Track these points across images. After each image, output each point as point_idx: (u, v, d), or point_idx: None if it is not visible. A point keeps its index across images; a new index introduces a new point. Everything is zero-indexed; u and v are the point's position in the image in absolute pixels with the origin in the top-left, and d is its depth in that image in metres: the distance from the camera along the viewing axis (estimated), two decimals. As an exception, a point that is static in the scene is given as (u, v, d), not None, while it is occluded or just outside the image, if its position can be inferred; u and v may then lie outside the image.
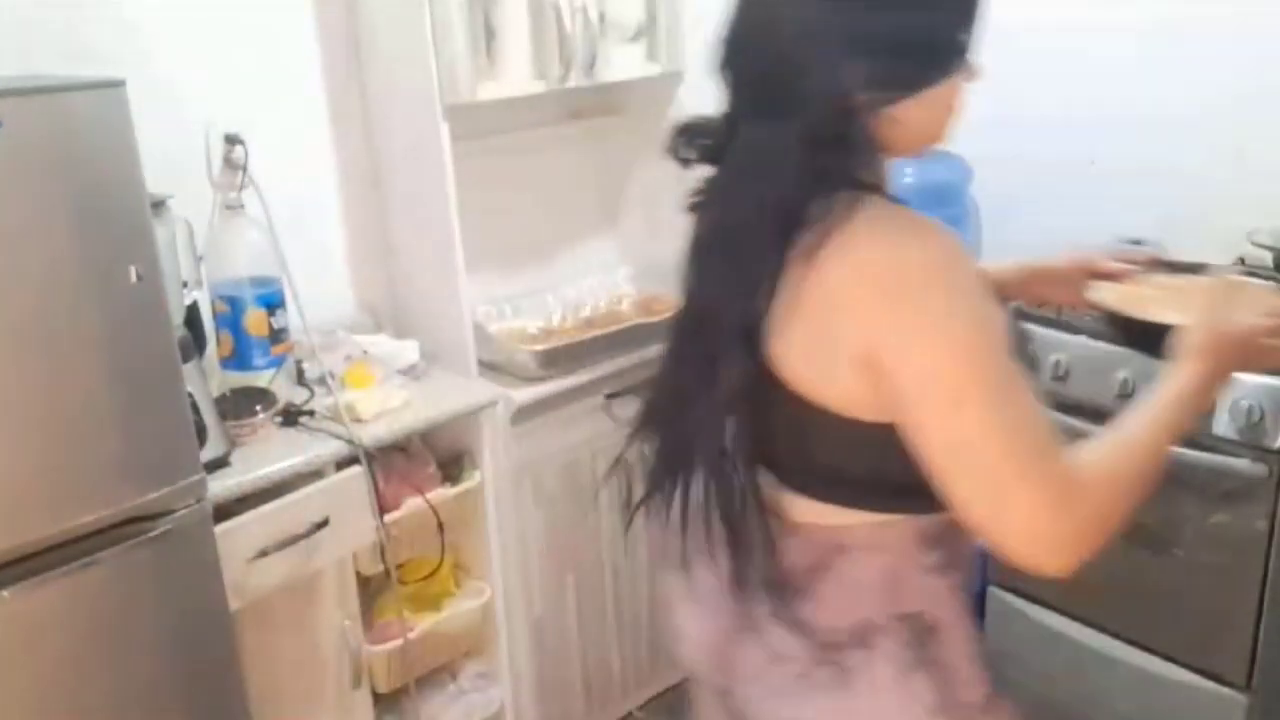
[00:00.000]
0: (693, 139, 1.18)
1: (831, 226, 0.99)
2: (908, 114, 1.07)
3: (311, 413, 1.92)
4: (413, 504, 1.98)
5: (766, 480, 1.13)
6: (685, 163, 1.19)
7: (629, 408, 2.28)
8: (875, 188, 1.06)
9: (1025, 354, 2.30)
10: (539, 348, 2.12)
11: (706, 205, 1.20)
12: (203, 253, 1.93)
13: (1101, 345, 2.01)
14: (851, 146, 1.04)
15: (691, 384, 1.17)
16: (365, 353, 2.06)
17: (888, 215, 1.04)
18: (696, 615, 1.23)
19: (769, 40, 1.04)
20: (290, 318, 1.99)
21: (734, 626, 1.17)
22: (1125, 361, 1.92)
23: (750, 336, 1.06)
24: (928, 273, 1.00)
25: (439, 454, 2.09)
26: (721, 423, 1.12)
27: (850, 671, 1.09)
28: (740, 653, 1.16)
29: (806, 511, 1.11)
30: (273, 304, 1.96)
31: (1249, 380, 1.82)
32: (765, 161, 1.04)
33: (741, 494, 1.12)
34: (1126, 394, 1.91)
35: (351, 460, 1.84)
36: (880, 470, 1.05)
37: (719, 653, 1.19)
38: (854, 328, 0.98)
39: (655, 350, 2.23)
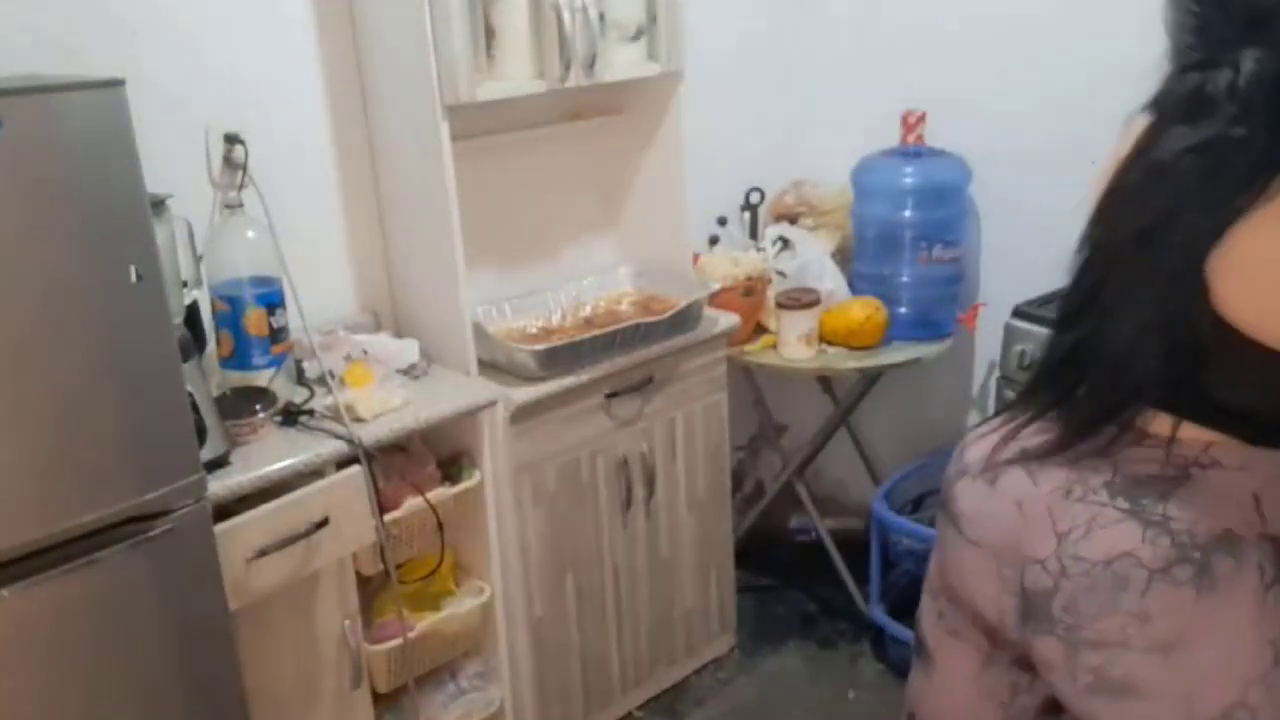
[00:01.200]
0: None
1: None
2: None
3: (311, 412, 1.92)
4: (412, 503, 1.98)
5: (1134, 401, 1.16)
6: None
7: (628, 407, 2.28)
8: None
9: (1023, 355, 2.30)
10: (539, 347, 2.12)
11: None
12: (202, 252, 1.93)
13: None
14: None
15: (1124, 295, 1.18)
16: (365, 352, 2.06)
17: None
18: (1012, 510, 1.23)
19: None
20: (290, 317, 1.99)
21: (1068, 522, 1.17)
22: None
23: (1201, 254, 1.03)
24: None
25: (439, 453, 2.09)
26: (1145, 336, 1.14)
27: (1215, 575, 1.13)
28: (1077, 547, 1.17)
29: (1171, 423, 1.12)
30: (272, 303, 1.96)
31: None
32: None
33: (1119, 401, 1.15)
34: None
35: (351, 460, 1.84)
36: (1271, 402, 1.06)
37: (1042, 542, 1.19)
38: None
39: (655, 350, 2.25)
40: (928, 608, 1.41)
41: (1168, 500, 1.14)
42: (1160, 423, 1.15)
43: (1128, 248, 1.21)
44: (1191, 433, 1.14)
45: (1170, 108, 1.10)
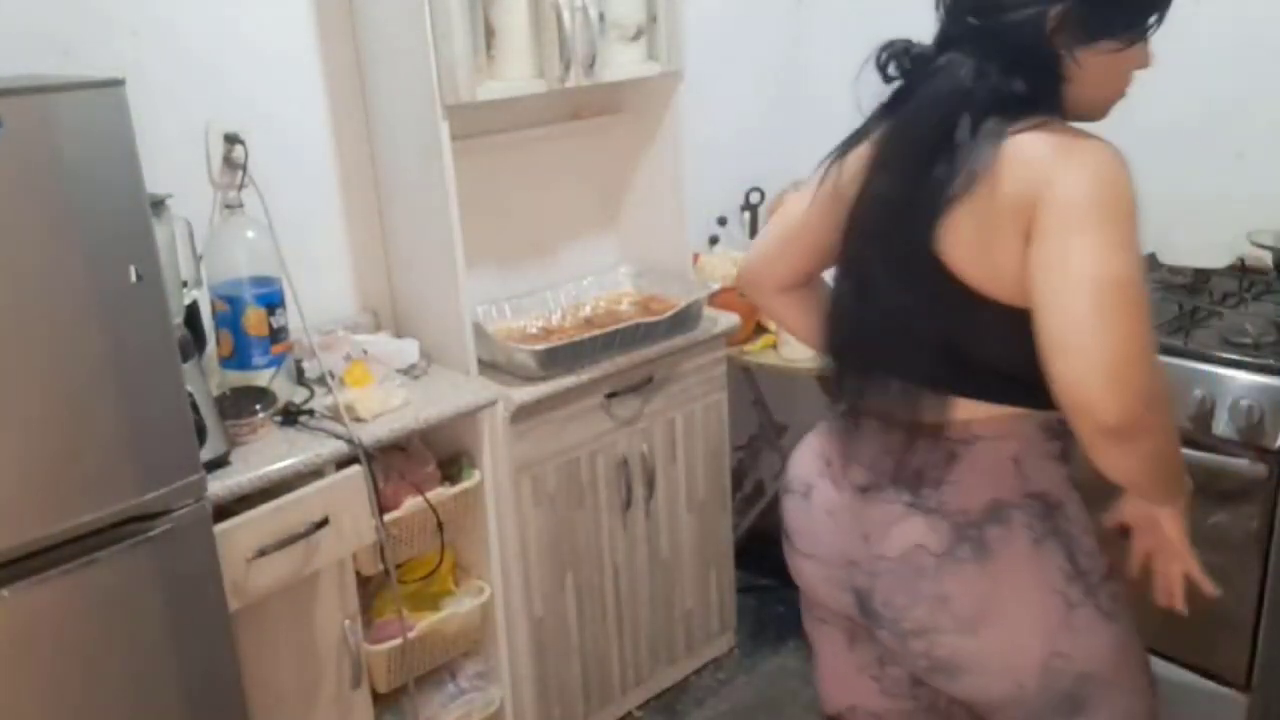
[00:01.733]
0: (896, 55, 1.31)
1: (1012, 134, 1.13)
2: (1091, 65, 1.17)
3: (311, 412, 1.93)
4: (412, 503, 1.98)
5: (902, 387, 1.28)
6: (886, 77, 1.32)
7: (628, 407, 2.28)
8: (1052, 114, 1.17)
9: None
10: (539, 347, 2.12)
11: (892, 112, 1.32)
12: (202, 252, 1.93)
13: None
14: (1043, 75, 1.16)
15: (874, 280, 1.28)
16: (365, 352, 2.06)
17: (1066, 130, 1.15)
18: (825, 520, 1.35)
19: None
20: (290, 317, 1.99)
21: (869, 525, 1.29)
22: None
23: (929, 228, 1.18)
24: (1100, 165, 1.11)
25: (438, 453, 2.09)
26: (903, 325, 1.26)
27: (990, 545, 1.22)
28: (879, 547, 1.27)
29: (939, 409, 1.25)
30: (272, 303, 1.96)
31: (1248, 380, 1.82)
32: (960, 81, 1.17)
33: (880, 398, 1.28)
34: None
35: (351, 460, 1.84)
36: (1023, 362, 1.16)
37: (854, 546, 1.30)
38: (1023, 195, 1.10)
39: (655, 350, 2.25)
40: (802, 606, 1.49)
41: (940, 486, 1.25)
42: (930, 408, 1.26)
43: (871, 248, 1.32)
44: (962, 414, 1.24)
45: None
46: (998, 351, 1.21)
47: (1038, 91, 1.16)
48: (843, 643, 1.47)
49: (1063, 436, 1.25)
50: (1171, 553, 1.29)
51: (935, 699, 1.41)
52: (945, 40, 1.26)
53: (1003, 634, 1.24)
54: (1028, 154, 1.11)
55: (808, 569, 1.42)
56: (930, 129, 1.19)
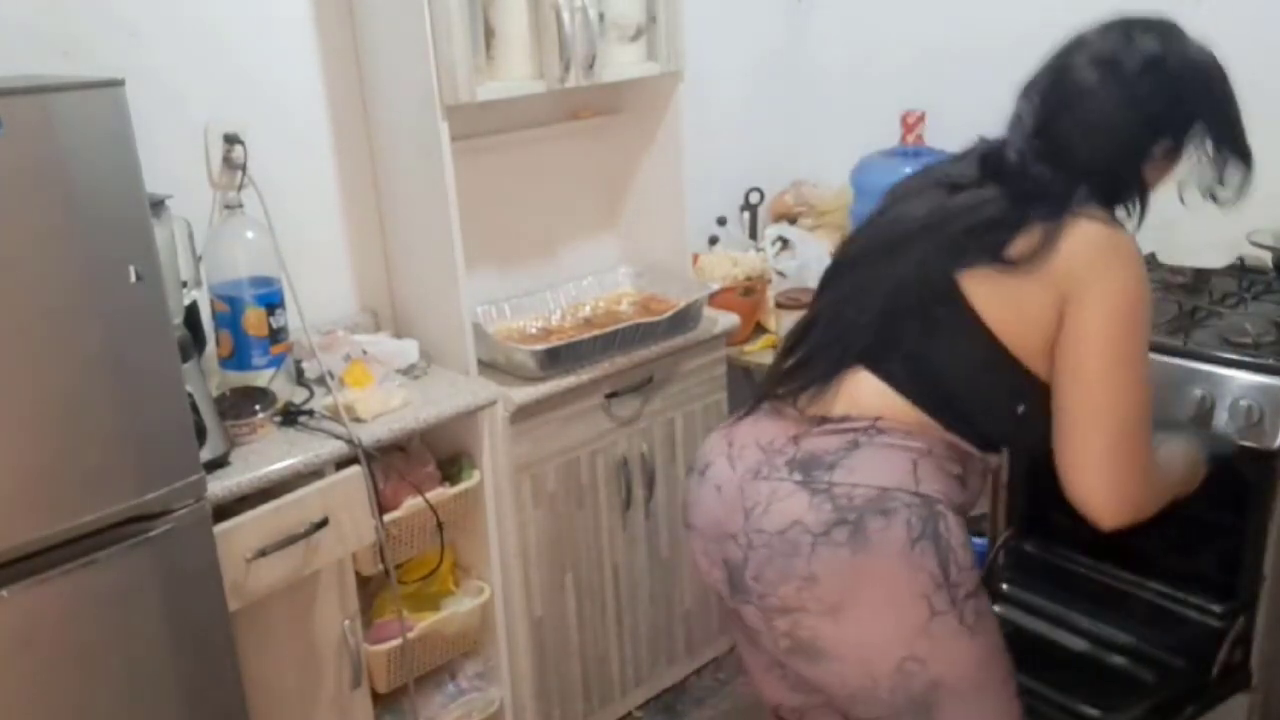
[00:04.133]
0: (987, 159, 1.41)
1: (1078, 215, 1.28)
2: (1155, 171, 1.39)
3: (311, 412, 1.93)
4: (412, 504, 1.98)
5: (829, 373, 1.35)
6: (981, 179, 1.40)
7: (628, 407, 2.28)
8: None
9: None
10: (538, 347, 2.12)
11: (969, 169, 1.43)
12: (202, 252, 1.93)
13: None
14: (1134, 192, 1.37)
15: (879, 286, 1.36)
16: (365, 352, 2.05)
17: (1115, 224, 1.32)
18: (713, 494, 1.39)
19: (1095, 121, 1.34)
20: (289, 317, 1.99)
21: (753, 499, 1.32)
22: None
23: (966, 258, 1.30)
24: (1128, 262, 1.27)
25: (438, 453, 2.10)
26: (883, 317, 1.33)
27: (867, 533, 1.24)
28: (759, 521, 1.30)
29: (861, 393, 1.31)
30: (272, 303, 1.96)
31: (1248, 380, 1.82)
32: (1035, 193, 1.30)
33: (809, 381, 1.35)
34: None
35: (351, 460, 1.84)
36: (966, 384, 1.29)
37: (734, 519, 1.34)
38: (1070, 273, 1.25)
39: (655, 350, 2.25)
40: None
41: (834, 469, 1.28)
42: (844, 401, 1.31)
43: (873, 257, 1.38)
44: (876, 406, 1.30)
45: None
46: (953, 366, 1.30)
47: (1118, 200, 1.34)
48: (746, 645, 1.49)
49: (967, 466, 1.32)
50: None
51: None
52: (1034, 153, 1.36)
53: (862, 625, 1.26)
54: (1087, 238, 1.25)
55: (692, 542, 1.45)
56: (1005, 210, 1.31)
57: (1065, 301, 1.24)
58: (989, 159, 1.38)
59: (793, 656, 1.32)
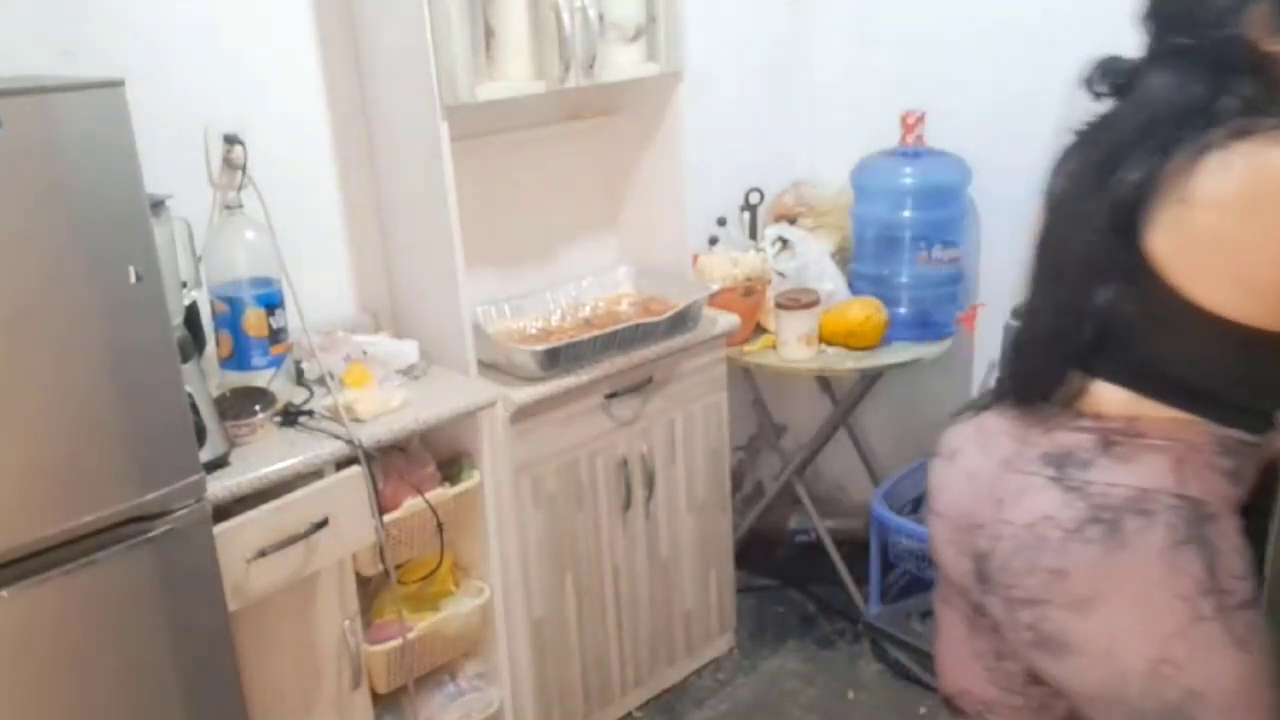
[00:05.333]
0: (1106, 74, 1.32)
1: (1236, 138, 1.14)
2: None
3: (311, 413, 1.92)
4: (412, 504, 1.98)
5: (1074, 374, 1.29)
6: (1096, 95, 1.33)
7: (628, 407, 2.28)
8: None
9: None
10: (538, 348, 2.12)
11: (1097, 129, 1.34)
12: (202, 253, 1.93)
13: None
14: (1259, 79, 1.19)
15: (1066, 271, 1.30)
16: (364, 353, 2.05)
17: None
18: (963, 481, 1.36)
19: None
20: (289, 318, 1.99)
21: (1004, 491, 1.29)
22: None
23: (1127, 228, 1.20)
24: None
25: (438, 454, 2.09)
26: (1082, 308, 1.26)
27: (1124, 533, 1.19)
28: (1008, 512, 1.27)
29: (1108, 401, 1.25)
30: (272, 304, 1.96)
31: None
32: (1169, 92, 1.20)
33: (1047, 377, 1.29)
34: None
35: (351, 460, 1.84)
36: (1209, 373, 1.20)
37: (983, 509, 1.30)
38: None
39: (655, 350, 2.25)
40: (936, 581, 1.46)
41: (1090, 467, 1.23)
42: (1098, 400, 1.26)
43: (1073, 242, 1.33)
44: (1131, 409, 1.24)
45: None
46: (1190, 359, 1.22)
47: (1257, 99, 1.18)
48: (963, 628, 1.45)
49: (1238, 457, 1.23)
50: None
51: (1047, 701, 1.38)
52: (1154, 57, 1.27)
53: (1112, 621, 1.20)
54: (1271, 162, 1.13)
55: (936, 528, 1.42)
56: (1147, 137, 1.21)
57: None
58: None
59: (1035, 651, 1.28)
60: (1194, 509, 1.20)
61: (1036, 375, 1.33)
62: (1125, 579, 1.20)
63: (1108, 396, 1.26)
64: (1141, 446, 1.22)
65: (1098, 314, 1.25)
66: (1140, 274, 1.20)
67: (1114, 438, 1.23)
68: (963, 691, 1.49)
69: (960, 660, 1.49)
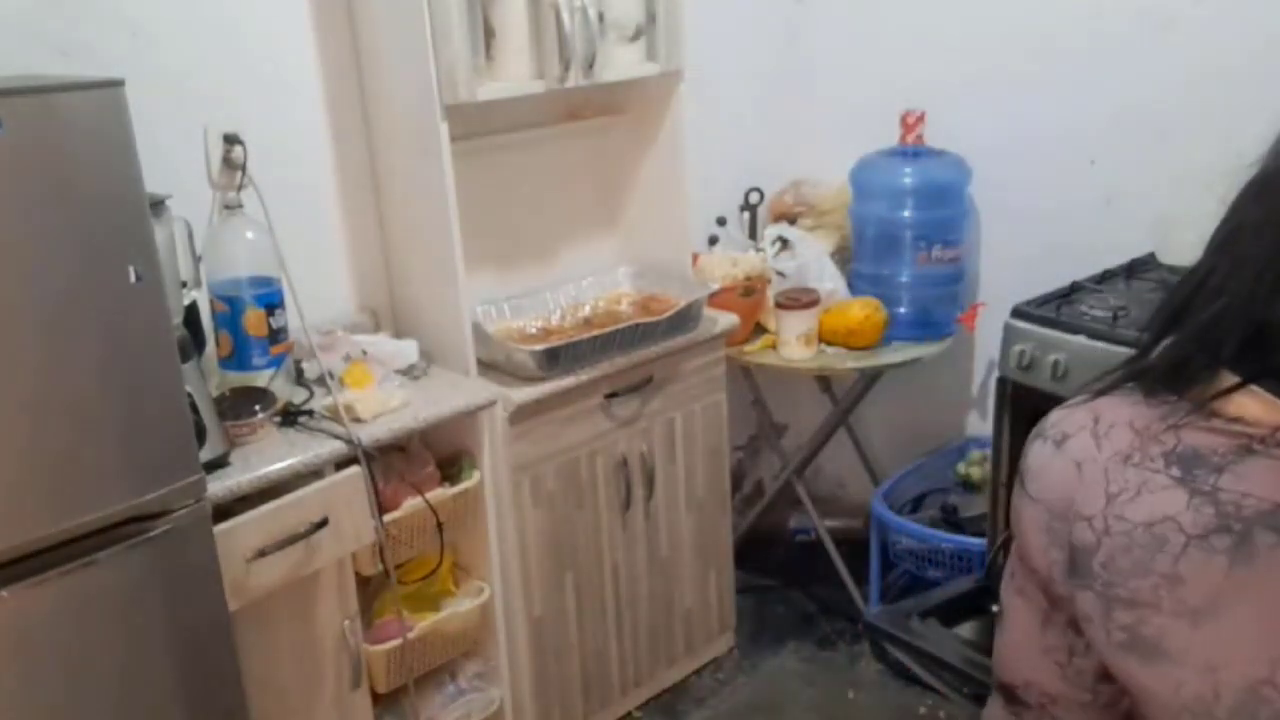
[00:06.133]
0: None
1: None
2: None
3: (310, 413, 1.92)
4: (412, 504, 1.98)
5: (1224, 372, 1.19)
6: None
7: (628, 407, 2.28)
8: None
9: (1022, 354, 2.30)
10: (538, 347, 2.12)
11: None
12: (201, 252, 1.93)
13: (1100, 345, 2.00)
14: None
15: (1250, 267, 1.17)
16: (364, 353, 2.05)
17: None
18: (1071, 469, 1.26)
19: None
20: (289, 317, 1.99)
21: (1120, 484, 1.21)
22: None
23: None
24: None
25: (438, 454, 2.09)
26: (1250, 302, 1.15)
27: (1254, 546, 1.12)
28: (1123, 508, 1.19)
29: (1252, 407, 1.17)
30: (272, 304, 1.95)
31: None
32: None
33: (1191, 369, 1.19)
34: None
35: (350, 460, 1.84)
36: None
37: (1093, 500, 1.22)
38: None
39: (654, 350, 2.25)
40: (1006, 568, 1.44)
41: (1222, 473, 1.15)
42: (1235, 404, 1.18)
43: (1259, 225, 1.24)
44: (1272, 416, 1.16)
45: None
46: None
47: None
48: (1035, 621, 1.40)
49: None
50: None
51: (1115, 699, 1.35)
52: None
53: (1224, 636, 1.15)
54: None
55: (1028, 514, 1.36)
56: None
57: None
58: None
59: (1123, 652, 1.24)
60: None
61: (1184, 366, 1.27)
62: (1248, 595, 1.15)
63: (1252, 402, 1.24)
64: None
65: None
66: None
67: (1255, 446, 1.16)
68: (1028, 684, 1.45)
69: (1029, 654, 1.44)
